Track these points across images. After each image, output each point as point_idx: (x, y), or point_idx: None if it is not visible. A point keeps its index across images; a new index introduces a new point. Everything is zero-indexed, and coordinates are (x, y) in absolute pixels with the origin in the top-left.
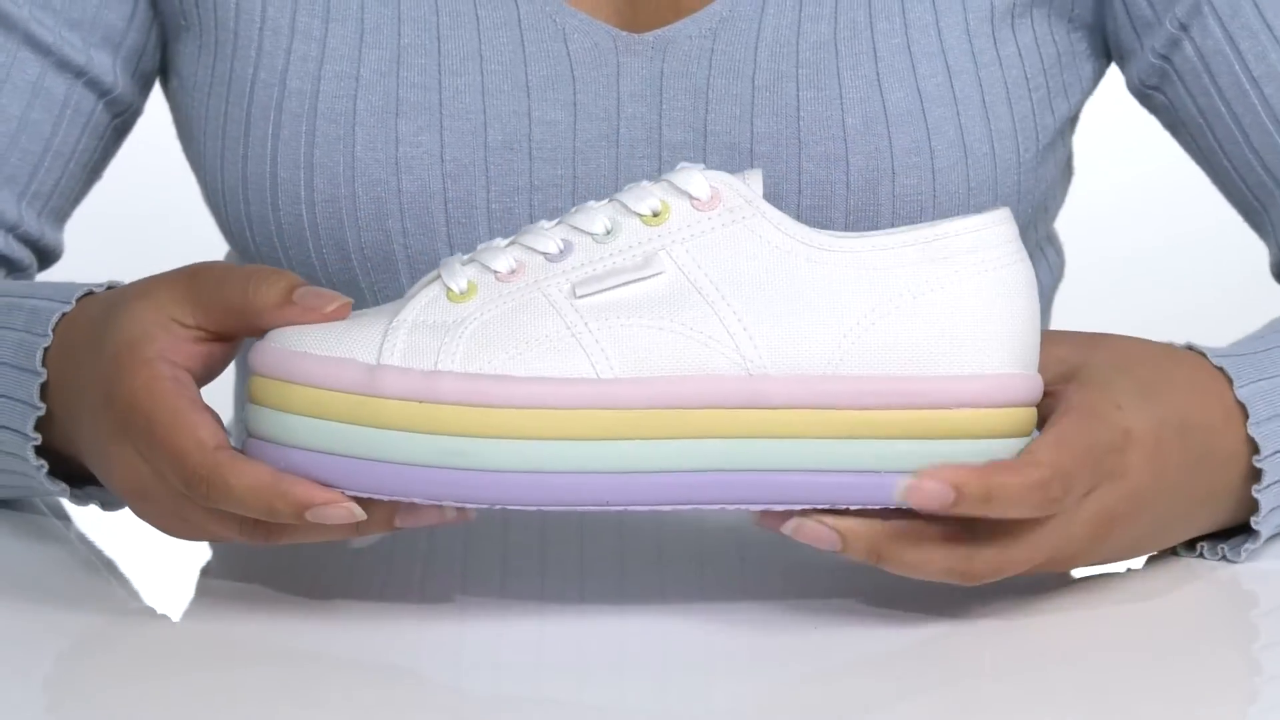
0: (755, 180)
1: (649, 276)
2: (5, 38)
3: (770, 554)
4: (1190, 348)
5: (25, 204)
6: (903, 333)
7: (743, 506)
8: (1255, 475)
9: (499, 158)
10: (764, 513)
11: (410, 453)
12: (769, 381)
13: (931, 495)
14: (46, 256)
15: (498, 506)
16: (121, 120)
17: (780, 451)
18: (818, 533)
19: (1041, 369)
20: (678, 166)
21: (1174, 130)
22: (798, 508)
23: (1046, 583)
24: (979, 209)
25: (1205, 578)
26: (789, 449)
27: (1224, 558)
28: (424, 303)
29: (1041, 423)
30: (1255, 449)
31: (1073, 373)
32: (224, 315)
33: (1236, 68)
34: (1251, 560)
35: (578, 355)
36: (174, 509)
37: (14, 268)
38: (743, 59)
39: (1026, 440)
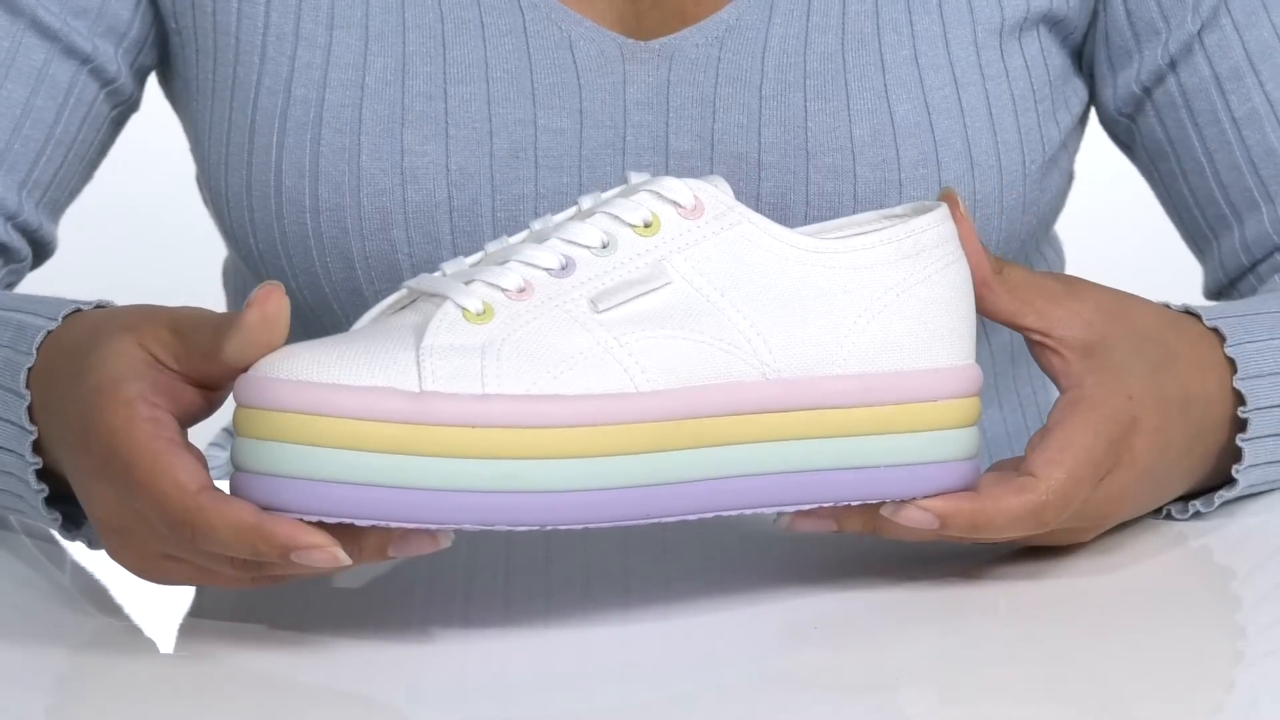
0: (723, 185)
1: (659, 287)
2: (11, 22)
3: (772, 555)
4: (1188, 310)
5: (25, 193)
6: (892, 328)
7: (772, 509)
8: (1240, 426)
9: (504, 166)
10: (797, 515)
11: (462, 479)
12: (783, 385)
13: (918, 520)
14: (41, 250)
15: (547, 528)
16: (119, 112)
17: (797, 453)
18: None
19: (1064, 325)
20: (652, 176)
21: (1132, 151)
22: (825, 505)
23: (1044, 579)
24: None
25: (1174, 547)
26: (805, 450)
27: (1196, 514)
28: (444, 325)
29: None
30: (1241, 401)
31: (1092, 347)
32: (203, 362)
33: (1218, 107)
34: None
35: (614, 370)
36: (156, 550)
37: (11, 258)
38: (749, 68)
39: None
